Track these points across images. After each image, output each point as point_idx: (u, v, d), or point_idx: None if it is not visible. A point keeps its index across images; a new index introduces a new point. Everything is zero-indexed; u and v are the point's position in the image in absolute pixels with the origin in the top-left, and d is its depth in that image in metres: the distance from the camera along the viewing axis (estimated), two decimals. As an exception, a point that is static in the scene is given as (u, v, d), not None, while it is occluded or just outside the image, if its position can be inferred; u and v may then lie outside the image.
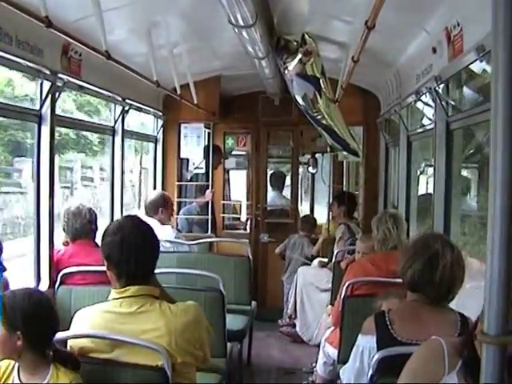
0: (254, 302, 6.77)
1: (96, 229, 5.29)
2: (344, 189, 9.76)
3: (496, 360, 1.17)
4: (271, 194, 9.88)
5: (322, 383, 5.50)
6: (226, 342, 4.77)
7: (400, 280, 3.37)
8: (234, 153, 10.37)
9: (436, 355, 2.36)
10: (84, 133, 4.43)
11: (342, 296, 4.85)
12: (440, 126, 5.15)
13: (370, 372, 3.00)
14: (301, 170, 10.43)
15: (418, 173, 7.96)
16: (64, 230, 5.26)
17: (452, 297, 3.27)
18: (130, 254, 2.99)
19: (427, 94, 5.32)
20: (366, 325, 3.35)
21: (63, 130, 9.61)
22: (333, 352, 5.16)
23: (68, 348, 3.07)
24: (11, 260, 4.61)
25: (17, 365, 2.83)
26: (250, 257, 6.71)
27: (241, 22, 4.65)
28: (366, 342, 3.31)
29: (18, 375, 2.82)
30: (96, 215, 5.35)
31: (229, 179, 10.28)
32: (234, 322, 5.89)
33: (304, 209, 10.57)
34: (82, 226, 5.19)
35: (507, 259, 1.13)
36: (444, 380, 2.34)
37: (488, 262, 1.14)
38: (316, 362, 5.67)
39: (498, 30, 1.18)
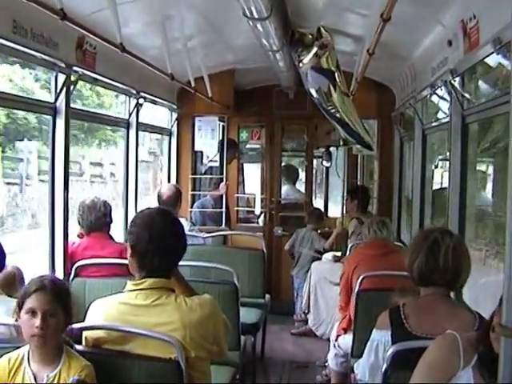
0: (267, 296, 6.78)
1: (111, 221, 5.33)
2: (358, 183, 9.73)
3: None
4: (285, 187, 9.88)
5: (335, 376, 5.51)
6: (239, 335, 4.78)
7: None
8: (248, 146, 10.34)
9: (451, 349, 2.36)
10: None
11: (356, 290, 4.88)
12: (455, 119, 5.12)
13: (385, 366, 2.99)
14: (315, 163, 10.41)
15: (433, 167, 7.93)
16: (79, 222, 5.28)
17: (461, 283, 3.29)
18: (156, 252, 3.00)
19: (442, 87, 5.29)
20: (381, 319, 3.35)
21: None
22: (343, 343, 5.21)
23: (83, 339, 3.10)
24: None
25: (26, 356, 2.85)
26: (265, 250, 6.72)
27: (255, 15, 4.63)
28: (380, 337, 3.31)
29: (29, 365, 2.84)
30: (111, 208, 5.38)
31: (243, 172, 10.28)
32: (247, 315, 5.91)
33: (318, 202, 10.54)
34: (97, 219, 5.21)
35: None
36: (459, 374, 2.34)
37: (506, 256, 1.13)
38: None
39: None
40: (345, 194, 8.21)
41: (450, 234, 3.26)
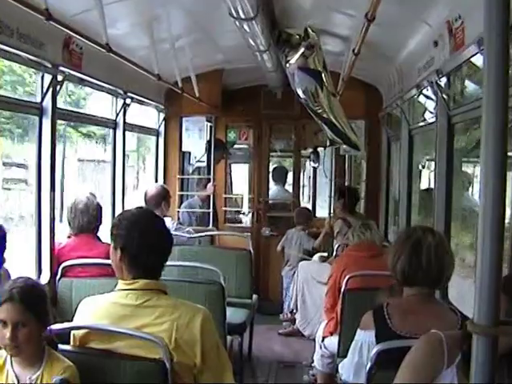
0: (255, 296, 6.78)
1: (100, 224, 5.30)
2: (346, 183, 9.75)
3: (487, 351, 1.17)
4: (273, 187, 9.89)
5: (321, 377, 5.52)
6: (226, 335, 4.77)
7: None
8: (236, 146, 10.34)
9: (435, 349, 2.36)
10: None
11: (342, 290, 4.89)
12: (441, 119, 5.14)
13: (369, 365, 3.00)
14: (303, 163, 10.42)
15: (420, 167, 7.95)
16: (69, 223, 5.24)
17: (445, 282, 3.30)
18: (150, 250, 3.00)
19: (428, 87, 5.31)
20: (365, 320, 3.36)
21: None
22: (330, 344, 5.22)
23: (71, 336, 3.09)
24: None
25: (9, 358, 2.84)
26: (252, 250, 6.72)
27: (242, 15, 4.64)
28: (364, 337, 3.31)
29: (12, 367, 2.82)
30: (102, 210, 5.36)
31: (231, 173, 10.28)
32: (234, 315, 5.91)
33: (306, 203, 10.55)
34: (89, 222, 5.18)
35: (498, 248, 1.13)
36: (443, 373, 2.34)
37: (479, 252, 1.14)
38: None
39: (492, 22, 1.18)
40: (332, 194, 8.24)
41: (432, 233, 3.26)
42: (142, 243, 3.00)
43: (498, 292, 1.16)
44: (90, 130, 9.89)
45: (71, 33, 4.16)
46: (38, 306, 2.86)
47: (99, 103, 7.18)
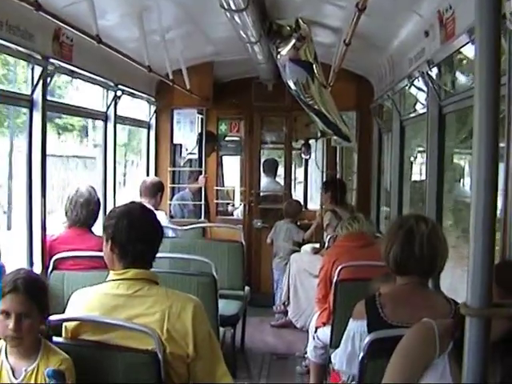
0: (247, 288, 6.79)
1: (96, 220, 5.27)
2: (338, 175, 9.77)
3: (480, 333, 1.17)
4: (264, 179, 9.87)
5: (314, 368, 5.54)
6: (218, 327, 4.77)
7: None
8: (227, 138, 10.33)
9: (427, 337, 2.36)
10: None
11: (334, 280, 4.89)
12: (433, 110, 5.14)
13: (361, 355, 3.01)
14: (295, 156, 10.42)
15: (412, 158, 7.97)
16: (66, 213, 5.19)
17: (438, 270, 3.31)
18: (137, 237, 3.01)
19: (419, 78, 5.32)
20: (357, 309, 3.37)
21: None
22: (322, 335, 5.23)
23: (63, 328, 3.09)
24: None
25: (4, 349, 2.83)
26: (243, 242, 6.73)
27: (232, 6, 4.62)
28: (357, 327, 3.32)
29: (7, 359, 2.82)
30: (100, 206, 5.34)
31: (222, 165, 10.27)
32: (227, 307, 5.93)
33: (298, 194, 10.55)
34: (86, 217, 5.14)
35: (491, 231, 1.13)
36: (435, 361, 2.35)
37: (472, 234, 1.14)
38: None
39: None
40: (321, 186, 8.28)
41: (425, 221, 3.25)
42: (129, 231, 3.01)
43: (491, 274, 1.16)
44: (66, 122, 9.61)
45: (61, 24, 4.13)
46: (41, 298, 2.87)
47: (82, 93, 7.05)
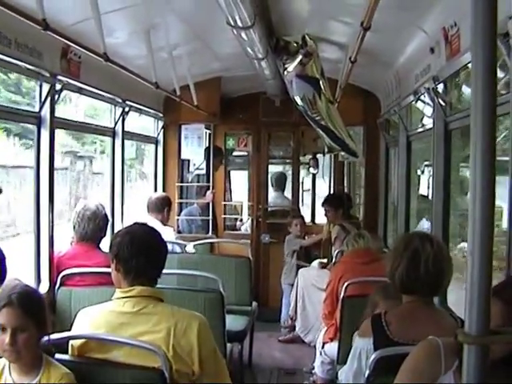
0: (254, 303, 6.78)
1: (104, 235, 5.28)
2: (345, 189, 9.78)
3: (478, 361, 1.18)
4: (273, 194, 9.89)
5: (322, 383, 5.53)
6: (225, 343, 4.77)
7: None
8: (234, 153, 10.34)
9: (433, 354, 2.36)
10: None
11: (341, 296, 4.90)
12: (439, 125, 5.15)
13: (367, 372, 3.01)
14: (302, 170, 10.43)
15: (419, 172, 7.97)
16: (74, 227, 5.21)
17: (444, 289, 3.31)
18: (140, 252, 3.05)
19: (425, 94, 5.33)
20: (363, 327, 3.37)
21: None
22: (330, 350, 5.23)
23: (69, 346, 3.10)
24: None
25: (7, 365, 2.85)
26: (251, 257, 6.74)
27: (239, 24, 4.65)
28: (363, 344, 3.32)
29: (10, 375, 2.83)
30: (108, 222, 5.35)
31: (230, 180, 10.29)
32: (234, 322, 5.92)
33: (305, 209, 10.55)
34: (93, 231, 5.15)
35: (488, 259, 1.14)
36: (440, 380, 2.35)
37: (469, 262, 1.15)
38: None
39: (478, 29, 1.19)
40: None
41: (430, 241, 3.25)
42: (131, 246, 3.06)
43: (489, 302, 1.17)
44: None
45: (69, 42, 4.17)
46: (37, 312, 2.88)
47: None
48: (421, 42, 5.21)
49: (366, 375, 3.02)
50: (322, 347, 5.42)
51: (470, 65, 4.30)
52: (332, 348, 5.16)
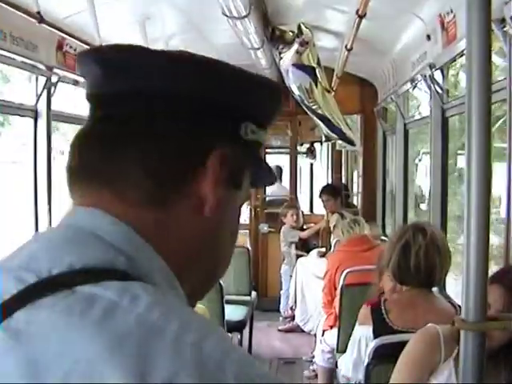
0: (254, 293, 6.80)
1: None
2: (343, 177, 9.79)
3: (475, 347, 1.18)
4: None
5: (322, 372, 5.55)
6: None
7: None
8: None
9: (432, 342, 2.38)
10: None
11: (340, 285, 4.91)
12: (435, 113, 5.15)
13: (367, 360, 3.02)
14: (300, 159, 10.42)
15: (417, 161, 7.97)
16: None
17: (438, 281, 3.31)
18: None
19: (422, 81, 5.32)
20: (363, 315, 3.38)
21: None
22: (330, 338, 5.24)
23: None
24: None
25: None
26: (249, 247, 6.75)
27: (234, 14, 4.65)
28: (362, 332, 3.34)
29: None
30: None
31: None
32: (234, 312, 5.94)
33: (304, 198, 10.56)
34: None
35: (485, 245, 1.14)
36: (440, 367, 2.36)
37: (465, 249, 1.15)
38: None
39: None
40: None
41: (423, 232, 3.22)
42: None
43: (485, 289, 1.17)
44: None
45: (63, 35, 4.16)
46: None
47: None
48: (417, 30, 5.20)
49: (366, 363, 3.03)
50: (322, 335, 5.44)
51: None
52: (332, 336, 5.17)
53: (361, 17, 3.42)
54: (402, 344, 2.52)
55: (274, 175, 1.06)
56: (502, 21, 3.21)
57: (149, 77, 0.91)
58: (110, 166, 0.90)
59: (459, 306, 3.21)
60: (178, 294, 0.90)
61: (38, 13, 3.39)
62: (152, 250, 0.88)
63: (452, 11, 4.20)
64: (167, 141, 0.90)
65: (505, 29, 3.16)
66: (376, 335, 3.18)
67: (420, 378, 2.40)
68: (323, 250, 7.85)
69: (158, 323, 0.74)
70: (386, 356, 2.86)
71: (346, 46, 4.76)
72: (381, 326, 3.21)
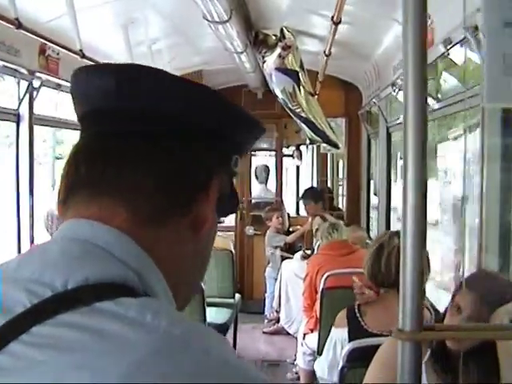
0: (237, 295, 6.83)
1: None
2: (328, 180, 9.83)
3: (412, 357, 1.21)
4: (257, 187, 9.91)
5: (303, 374, 5.58)
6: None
7: None
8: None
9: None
10: None
11: (321, 288, 4.94)
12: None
13: (341, 363, 3.05)
14: (285, 162, 10.45)
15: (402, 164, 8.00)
16: (47, 230, 5.23)
17: None
18: None
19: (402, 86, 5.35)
20: (339, 318, 3.42)
21: None
22: (310, 341, 5.28)
23: None
24: None
25: None
26: (233, 250, 6.78)
27: (216, 18, 4.68)
28: (338, 335, 3.37)
29: None
30: None
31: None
32: (217, 315, 5.97)
33: (289, 201, 10.59)
34: None
35: (419, 256, 1.17)
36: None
37: (402, 257, 1.18)
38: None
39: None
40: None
41: (399, 236, 3.28)
42: None
43: (421, 299, 1.20)
44: None
45: (42, 40, 4.17)
46: None
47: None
48: (397, 34, 5.23)
49: (340, 366, 3.06)
50: (303, 338, 5.47)
51: (443, 56, 4.34)
52: (313, 339, 5.20)
53: (336, 23, 3.46)
54: (376, 347, 2.54)
55: (238, 206, 1.12)
56: (476, 29, 3.24)
57: (162, 98, 0.95)
58: (114, 182, 0.93)
59: (435, 310, 3.26)
60: (173, 308, 0.94)
61: (17, 19, 3.40)
62: (154, 266, 0.92)
63: (430, 17, 4.23)
64: (174, 163, 0.95)
65: (477, 36, 3.19)
66: (351, 338, 3.21)
67: (391, 381, 2.42)
68: (308, 252, 7.88)
69: (184, 336, 0.78)
70: (360, 359, 2.88)
71: (324, 52, 4.79)
72: (356, 329, 3.24)
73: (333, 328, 3.46)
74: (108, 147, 0.95)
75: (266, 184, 10.05)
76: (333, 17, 3.42)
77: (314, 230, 7.28)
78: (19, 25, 3.43)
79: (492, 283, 2.42)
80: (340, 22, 3.43)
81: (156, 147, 0.94)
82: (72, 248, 0.89)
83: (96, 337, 0.75)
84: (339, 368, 3.07)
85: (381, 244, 3.28)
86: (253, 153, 9.84)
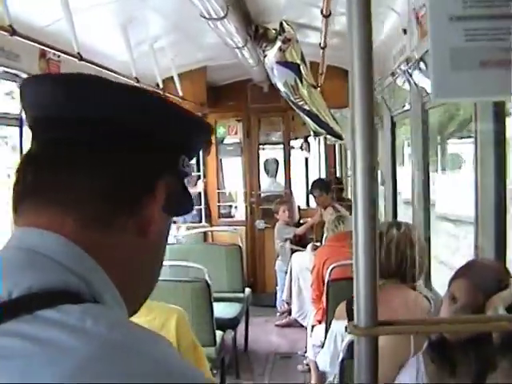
0: (248, 290, 6.86)
1: None
2: (337, 171, 9.82)
3: (368, 351, 1.23)
4: (266, 180, 9.93)
5: (313, 366, 5.59)
6: (214, 331, 4.83)
7: None
8: (226, 141, 10.37)
9: (401, 336, 2.41)
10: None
11: (326, 280, 4.94)
12: (415, 106, 5.18)
13: (341, 356, 3.05)
14: (294, 154, 10.45)
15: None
16: None
17: (410, 274, 3.33)
18: None
19: (402, 74, 5.35)
20: (339, 310, 3.43)
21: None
22: (319, 333, 5.29)
23: None
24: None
25: None
26: (241, 245, 6.81)
27: (213, 15, 4.69)
28: (338, 327, 3.38)
29: None
30: None
31: (222, 168, 10.31)
32: (227, 310, 6.01)
33: (299, 193, 10.59)
34: None
35: (372, 251, 1.19)
36: (410, 361, 2.40)
37: (354, 252, 1.20)
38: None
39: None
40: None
41: (398, 227, 3.29)
42: None
43: (375, 294, 1.22)
44: None
45: (39, 45, 4.20)
46: None
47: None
48: (394, 23, 5.23)
49: (340, 358, 3.06)
50: (312, 330, 5.49)
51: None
52: (321, 330, 5.21)
53: (326, 16, 3.46)
54: (376, 339, 2.55)
55: (193, 206, 1.14)
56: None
57: (108, 107, 0.97)
58: (60, 189, 0.95)
59: (433, 299, 3.26)
60: (123, 311, 0.98)
61: (10, 26, 3.42)
62: (101, 270, 0.94)
63: (425, 6, 4.22)
64: (119, 167, 0.97)
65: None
66: (350, 330, 3.22)
67: (390, 371, 2.44)
68: (318, 244, 7.90)
69: (123, 342, 0.80)
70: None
71: (319, 45, 4.79)
72: (355, 321, 3.25)
73: (333, 320, 3.47)
74: (54, 155, 0.97)
75: (275, 177, 10.06)
76: (322, 10, 3.42)
77: (326, 222, 7.30)
78: (13, 32, 3.45)
79: (486, 271, 2.43)
80: (330, 14, 3.44)
81: (101, 153, 0.96)
82: (17, 257, 0.91)
83: (36, 344, 0.77)
84: (339, 360, 3.08)
85: (379, 234, 3.27)
86: (261, 146, 9.85)
